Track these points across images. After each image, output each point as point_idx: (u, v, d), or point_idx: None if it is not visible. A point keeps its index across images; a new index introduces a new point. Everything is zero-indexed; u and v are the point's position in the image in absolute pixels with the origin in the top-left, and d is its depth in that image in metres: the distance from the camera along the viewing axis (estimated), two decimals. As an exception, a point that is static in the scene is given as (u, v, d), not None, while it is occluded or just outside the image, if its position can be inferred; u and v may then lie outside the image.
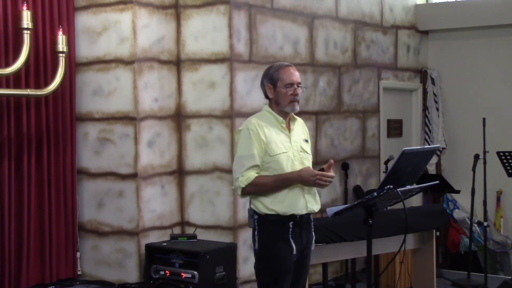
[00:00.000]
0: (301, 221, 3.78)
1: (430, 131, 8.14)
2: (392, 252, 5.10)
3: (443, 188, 6.83)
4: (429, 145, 7.91)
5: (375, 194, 3.60)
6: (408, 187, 3.76)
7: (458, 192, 6.94)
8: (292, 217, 3.73)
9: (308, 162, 3.83)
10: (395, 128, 7.94)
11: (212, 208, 5.85)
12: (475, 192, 6.60)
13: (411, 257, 5.83)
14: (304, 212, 3.77)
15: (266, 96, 3.87)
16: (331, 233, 4.81)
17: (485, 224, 6.71)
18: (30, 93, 5.49)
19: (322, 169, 3.76)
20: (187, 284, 5.34)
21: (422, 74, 8.24)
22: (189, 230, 5.94)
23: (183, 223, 6.05)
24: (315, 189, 3.85)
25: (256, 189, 3.71)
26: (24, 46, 5.38)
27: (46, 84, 5.64)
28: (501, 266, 7.76)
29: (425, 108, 8.20)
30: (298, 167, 3.76)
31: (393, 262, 6.16)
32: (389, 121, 7.82)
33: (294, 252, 3.74)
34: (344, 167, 6.81)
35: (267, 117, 3.83)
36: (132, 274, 5.79)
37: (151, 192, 5.83)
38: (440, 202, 7.62)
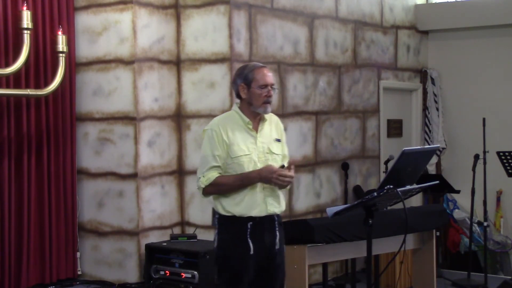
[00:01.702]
0: (262, 221, 3.75)
1: (430, 131, 8.14)
2: (392, 252, 5.10)
3: (443, 188, 6.83)
4: (429, 145, 7.90)
5: (375, 194, 3.59)
6: (408, 187, 3.75)
7: (458, 192, 6.94)
8: (251, 218, 3.73)
9: (274, 163, 3.78)
10: (395, 128, 7.93)
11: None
12: (475, 192, 6.60)
13: (411, 257, 5.83)
14: (263, 214, 3.75)
15: (238, 96, 3.84)
16: (331, 233, 4.80)
17: (485, 224, 6.70)
18: (30, 93, 5.49)
19: (283, 167, 3.72)
20: (187, 284, 5.34)
21: (422, 74, 8.24)
22: (189, 230, 5.95)
23: (183, 223, 6.05)
24: (278, 191, 3.82)
25: (217, 189, 3.73)
26: (24, 46, 5.38)
27: (46, 84, 5.65)
28: (501, 266, 7.76)
29: (425, 108, 8.19)
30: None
31: (393, 262, 6.16)
32: (389, 121, 7.81)
33: (251, 252, 3.72)
34: (344, 167, 6.80)
35: (233, 117, 3.81)
36: (132, 274, 5.79)
37: (151, 192, 5.83)
38: (440, 202, 7.62)
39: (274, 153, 3.81)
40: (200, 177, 3.75)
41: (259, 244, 3.75)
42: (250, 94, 3.77)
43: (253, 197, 3.72)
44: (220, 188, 3.73)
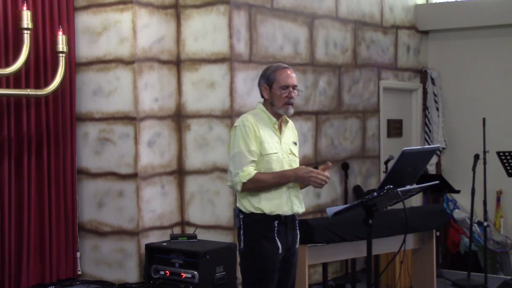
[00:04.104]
0: (286, 220, 3.80)
1: (430, 131, 8.14)
2: (392, 252, 5.10)
3: (443, 188, 6.83)
4: (429, 145, 7.90)
5: (375, 194, 3.60)
6: (408, 187, 3.75)
7: (458, 192, 6.94)
8: (277, 217, 3.75)
9: (296, 164, 3.86)
10: (395, 128, 7.93)
11: (212, 208, 5.85)
12: (475, 192, 6.60)
13: (411, 257, 5.84)
14: (289, 213, 3.79)
15: (262, 96, 3.88)
16: (331, 233, 4.81)
17: (485, 224, 6.71)
18: (30, 93, 5.49)
19: (316, 168, 3.79)
20: (187, 284, 5.34)
21: (422, 74, 8.24)
22: (189, 230, 5.94)
23: (183, 223, 6.05)
24: (300, 193, 3.87)
25: (256, 185, 3.72)
26: (24, 46, 5.38)
27: (46, 84, 5.65)
28: (501, 266, 7.76)
29: (425, 108, 8.20)
30: (286, 168, 3.79)
31: (393, 262, 6.16)
32: (389, 121, 7.81)
33: (280, 251, 3.76)
34: (344, 167, 6.80)
35: (261, 116, 3.84)
36: (132, 274, 5.79)
37: (151, 192, 5.83)
38: (440, 202, 7.62)
39: (294, 154, 3.89)
40: (238, 172, 3.71)
41: (285, 244, 3.79)
42: (271, 95, 3.81)
43: (280, 196, 3.76)
44: (259, 184, 3.71)
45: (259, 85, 3.89)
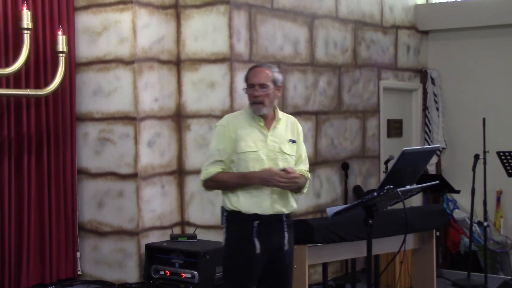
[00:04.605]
0: (269, 221, 3.73)
1: (430, 131, 8.14)
2: (392, 252, 5.10)
3: (443, 188, 6.83)
4: (429, 145, 7.90)
5: (375, 194, 3.59)
6: (408, 187, 3.75)
7: (458, 192, 6.94)
8: (258, 216, 3.71)
9: (286, 163, 3.76)
10: (395, 128, 7.93)
11: (212, 208, 5.85)
12: (475, 192, 6.60)
13: (411, 257, 5.83)
14: (269, 212, 3.72)
15: None
16: (331, 233, 4.80)
17: (485, 224, 6.70)
18: (30, 93, 5.49)
19: (283, 170, 3.69)
20: (187, 284, 5.34)
21: (422, 74, 8.24)
22: (189, 230, 5.95)
23: (183, 223, 6.05)
24: (287, 192, 3.79)
25: (216, 184, 3.77)
26: (24, 46, 5.38)
27: (46, 84, 5.65)
28: (501, 266, 7.76)
29: (425, 108, 8.20)
30: (268, 167, 3.71)
31: (393, 262, 6.16)
32: (389, 121, 7.81)
33: (258, 251, 3.71)
34: (344, 167, 6.80)
35: (245, 115, 3.84)
36: (132, 274, 5.79)
37: (151, 192, 5.83)
38: (440, 202, 7.62)
39: (285, 153, 3.78)
40: (202, 170, 3.79)
41: (267, 244, 3.73)
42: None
43: (260, 194, 3.71)
44: (219, 184, 3.76)
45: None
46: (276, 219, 3.76)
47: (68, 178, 5.86)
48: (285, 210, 3.78)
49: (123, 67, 5.76)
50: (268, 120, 3.80)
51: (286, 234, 3.81)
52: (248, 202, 3.71)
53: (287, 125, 3.86)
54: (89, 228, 5.99)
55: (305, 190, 3.87)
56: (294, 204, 3.85)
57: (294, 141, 3.84)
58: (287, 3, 6.27)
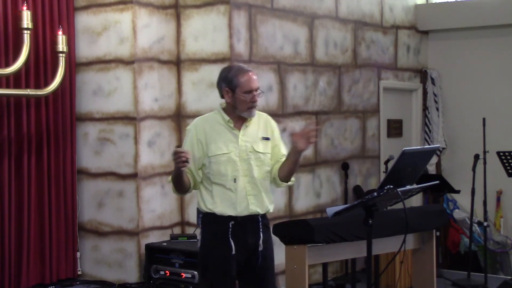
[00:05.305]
0: (244, 221, 3.71)
1: (430, 131, 8.14)
2: (392, 252, 5.09)
3: (443, 188, 6.83)
4: (429, 145, 7.90)
5: (375, 194, 3.59)
6: (408, 187, 3.75)
7: (458, 192, 6.94)
8: (232, 217, 3.69)
9: (260, 162, 3.74)
10: (395, 128, 7.93)
11: (212, 208, 5.85)
12: (475, 192, 6.60)
13: (411, 257, 5.83)
14: (245, 213, 3.70)
15: (222, 97, 3.79)
16: (331, 233, 4.80)
17: (485, 224, 6.70)
18: (30, 93, 5.49)
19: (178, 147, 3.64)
20: (187, 284, 5.34)
21: (422, 74, 8.24)
22: (189, 230, 5.95)
23: (183, 223, 6.05)
24: (263, 192, 3.75)
25: (173, 186, 3.74)
26: (24, 46, 5.39)
27: (46, 84, 5.65)
28: (501, 266, 7.76)
29: (425, 108, 8.19)
30: (242, 168, 3.69)
31: (393, 262, 6.15)
32: (389, 121, 7.81)
33: (233, 252, 3.69)
34: (344, 167, 6.80)
35: (215, 117, 3.80)
36: (132, 274, 5.79)
37: (151, 192, 5.83)
38: (440, 202, 7.62)
39: (258, 152, 3.75)
40: None
41: (242, 245, 3.71)
42: (234, 99, 3.71)
43: (234, 195, 3.69)
44: (174, 185, 3.73)
45: (219, 86, 3.78)
46: (251, 219, 3.73)
47: (68, 178, 5.86)
48: (260, 211, 3.75)
49: (123, 67, 5.76)
50: (238, 120, 3.76)
51: (261, 235, 3.77)
52: (223, 204, 3.69)
53: (259, 123, 3.82)
54: (89, 228, 5.99)
55: (293, 179, 3.85)
56: (269, 205, 3.80)
57: (267, 138, 3.80)
58: (287, 3, 6.27)
